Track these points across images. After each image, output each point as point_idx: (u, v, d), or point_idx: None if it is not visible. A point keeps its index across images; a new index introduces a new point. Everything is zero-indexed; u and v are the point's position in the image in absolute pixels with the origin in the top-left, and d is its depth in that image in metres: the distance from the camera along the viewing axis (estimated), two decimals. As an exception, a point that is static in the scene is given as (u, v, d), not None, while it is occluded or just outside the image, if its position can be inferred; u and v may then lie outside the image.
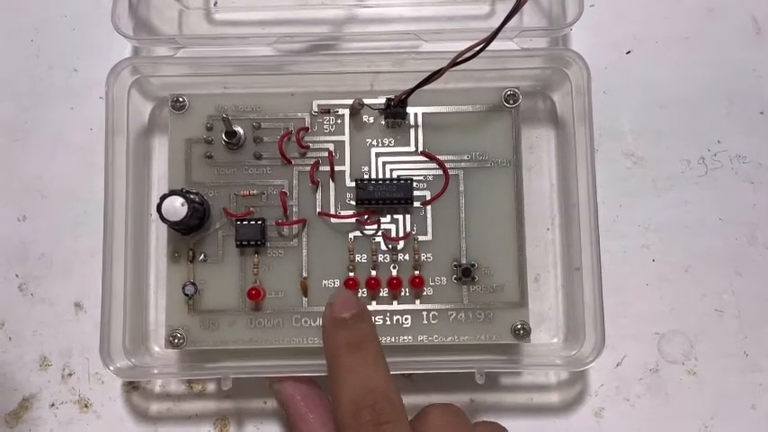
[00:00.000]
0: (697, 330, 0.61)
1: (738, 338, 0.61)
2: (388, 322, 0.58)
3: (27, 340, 0.62)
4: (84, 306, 0.62)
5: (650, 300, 0.62)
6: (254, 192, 0.59)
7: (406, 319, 0.58)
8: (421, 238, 0.59)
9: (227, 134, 0.58)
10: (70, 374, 0.61)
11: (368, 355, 0.52)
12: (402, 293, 0.58)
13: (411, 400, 0.59)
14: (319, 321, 0.58)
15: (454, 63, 0.55)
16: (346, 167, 0.59)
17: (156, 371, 0.58)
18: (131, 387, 0.61)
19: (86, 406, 0.61)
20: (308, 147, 0.59)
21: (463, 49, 0.54)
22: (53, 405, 0.61)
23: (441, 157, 0.59)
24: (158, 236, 0.61)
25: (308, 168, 0.59)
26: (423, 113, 0.59)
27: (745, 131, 0.63)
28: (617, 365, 0.61)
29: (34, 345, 0.62)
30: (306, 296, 0.58)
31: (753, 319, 0.61)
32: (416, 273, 0.58)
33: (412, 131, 0.59)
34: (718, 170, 0.63)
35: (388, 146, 0.59)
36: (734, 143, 0.63)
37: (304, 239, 0.59)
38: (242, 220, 0.58)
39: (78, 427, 0.61)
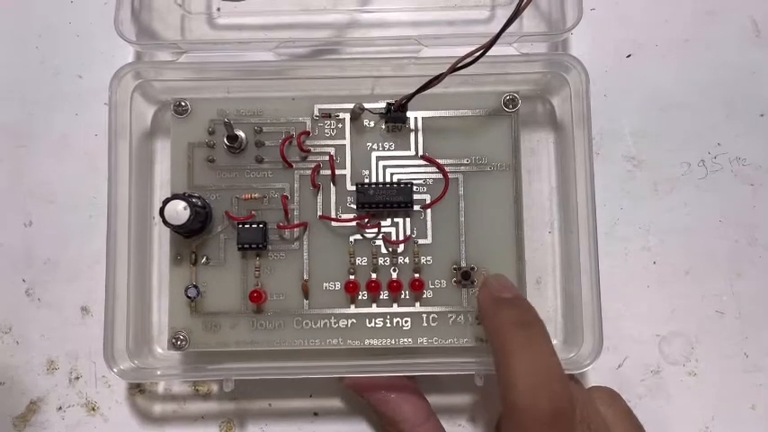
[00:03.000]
0: (698, 332, 0.61)
1: (739, 339, 0.61)
2: (388, 324, 0.58)
3: (34, 344, 0.62)
4: (91, 310, 0.62)
5: (651, 301, 0.62)
6: (256, 195, 0.59)
7: (406, 322, 0.58)
8: (421, 241, 0.59)
9: (228, 138, 0.58)
10: (77, 378, 0.62)
11: (539, 335, 0.52)
12: (402, 296, 0.59)
13: (413, 401, 0.60)
14: (320, 324, 0.58)
15: (454, 68, 0.55)
16: (347, 171, 0.59)
17: (159, 372, 0.59)
18: (138, 390, 0.62)
19: (93, 409, 0.62)
20: (309, 151, 0.59)
21: (463, 54, 0.54)
22: (60, 408, 0.62)
23: (441, 161, 0.59)
24: (161, 239, 0.61)
25: (309, 172, 0.59)
26: (423, 118, 0.60)
27: (745, 134, 0.63)
28: (618, 367, 0.61)
29: (41, 349, 0.62)
30: (307, 298, 0.59)
31: (753, 320, 0.61)
32: (416, 275, 0.58)
33: (412, 135, 0.60)
34: (719, 172, 0.63)
35: (389, 150, 0.60)
36: (734, 145, 0.63)
37: (305, 242, 0.59)
38: (244, 224, 0.58)
39: (85, 431, 0.62)
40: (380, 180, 0.59)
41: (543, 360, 0.50)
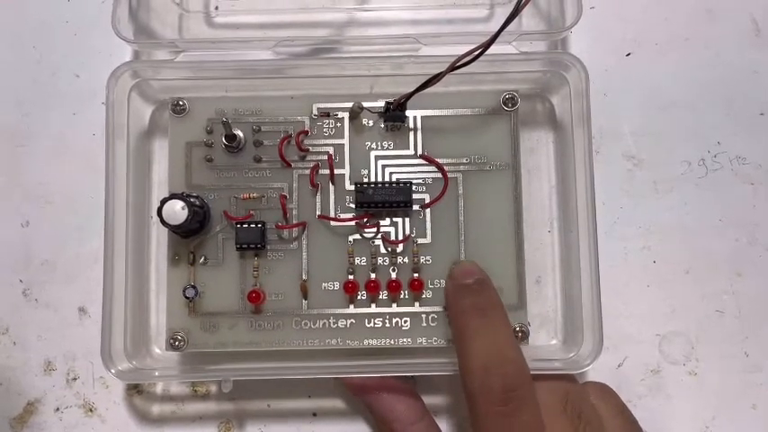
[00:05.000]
0: (698, 331, 0.61)
1: (739, 339, 0.61)
2: (388, 324, 0.58)
3: (31, 345, 0.62)
4: (89, 311, 0.62)
5: (651, 301, 0.62)
6: (254, 195, 0.59)
7: (405, 322, 0.58)
8: (420, 240, 0.59)
9: (227, 137, 0.58)
10: (75, 379, 0.62)
11: (495, 319, 0.53)
12: (401, 296, 0.58)
13: (412, 402, 0.60)
14: (319, 324, 0.58)
15: (453, 67, 0.55)
16: (346, 171, 0.59)
17: (157, 373, 0.58)
18: (136, 391, 0.61)
19: (91, 410, 0.61)
20: (307, 150, 0.59)
21: (462, 52, 0.54)
22: (58, 409, 0.61)
23: (440, 161, 0.59)
24: (159, 239, 0.61)
25: (308, 171, 0.59)
26: (422, 117, 0.60)
27: (745, 133, 0.63)
28: (618, 366, 0.61)
29: (39, 349, 0.62)
30: (305, 299, 0.58)
31: (753, 319, 0.61)
32: (416, 275, 0.58)
33: (411, 135, 0.59)
34: (719, 171, 0.63)
35: (388, 149, 0.59)
36: (734, 144, 0.63)
37: (304, 242, 0.59)
38: (242, 224, 0.58)
39: None
40: (379, 179, 0.59)
41: (497, 343, 0.52)
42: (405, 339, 0.58)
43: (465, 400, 0.52)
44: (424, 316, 0.58)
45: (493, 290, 0.54)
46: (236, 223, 0.58)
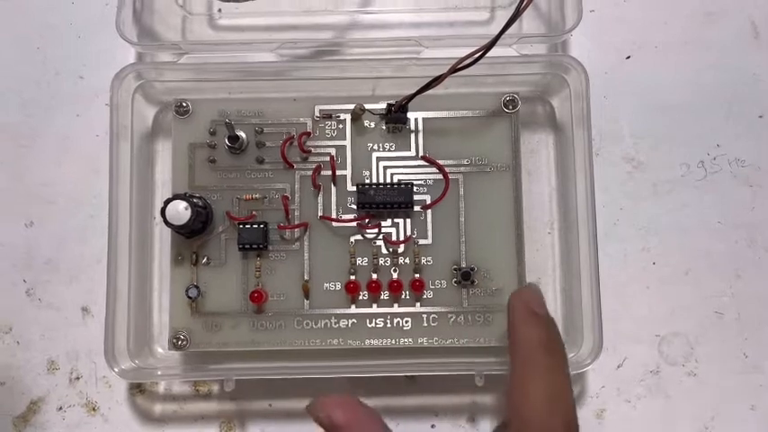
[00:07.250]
0: (697, 332, 0.61)
1: (738, 340, 0.61)
2: (389, 325, 0.58)
3: (35, 344, 0.62)
4: (92, 310, 0.62)
5: (651, 302, 0.62)
6: (257, 196, 0.59)
7: (407, 322, 0.58)
8: (421, 241, 0.59)
9: (230, 139, 0.58)
10: (78, 378, 0.62)
11: (561, 361, 0.51)
12: (402, 296, 0.59)
13: (412, 401, 0.60)
14: (321, 324, 0.58)
15: (454, 69, 0.55)
16: (348, 172, 0.59)
17: (159, 372, 0.59)
18: (138, 390, 0.61)
19: (94, 409, 0.62)
20: (309, 151, 0.59)
21: (463, 55, 0.55)
22: (61, 408, 0.62)
23: (441, 162, 0.59)
24: (162, 239, 0.61)
25: (310, 173, 0.59)
26: (423, 118, 0.60)
27: (745, 135, 0.63)
28: (618, 367, 0.61)
29: (42, 349, 0.62)
30: (307, 299, 0.59)
31: (752, 320, 0.61)
32: (417, 276, 0.58)
33: (412, 136, 0.60)
34: (718, 174, 0.63)
35: (389, 150, 0.60)
36: (733, 147, 0.63)
37: (306, 243, 0.59)
38: (244, 224, 0.58)
39: (86, 431, 0.61)
40: (381, 180, 0.59)
41: (562, 387, 0.50)
42: (406, 339, 0.58)
43: (514, 425, 0.49)
44: (425, 316, 0.58)
45: (556, 326, 0.52)
46: (239, 224, 0.58)
